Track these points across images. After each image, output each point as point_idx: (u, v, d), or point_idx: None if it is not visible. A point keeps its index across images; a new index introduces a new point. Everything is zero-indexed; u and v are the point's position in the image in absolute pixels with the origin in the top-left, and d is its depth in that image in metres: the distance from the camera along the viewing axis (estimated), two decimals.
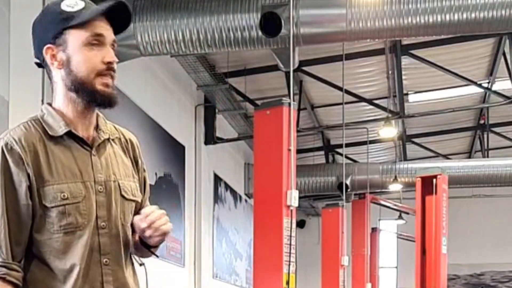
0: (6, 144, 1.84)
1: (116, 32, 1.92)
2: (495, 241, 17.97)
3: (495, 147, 14.43)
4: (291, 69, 6.21)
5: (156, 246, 2.00)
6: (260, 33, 6.72)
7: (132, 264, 2.01)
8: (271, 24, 6.58)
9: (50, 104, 1.95)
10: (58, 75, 1.90)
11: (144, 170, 2.08)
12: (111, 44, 1.88)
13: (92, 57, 1.85)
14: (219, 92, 10.64)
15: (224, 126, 11.92)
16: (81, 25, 1.85)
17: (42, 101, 6.18)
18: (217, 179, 12.20)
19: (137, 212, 1.98)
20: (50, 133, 1.88)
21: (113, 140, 1.99)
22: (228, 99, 10.94)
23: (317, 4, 6.78)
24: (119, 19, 1.90)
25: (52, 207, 1.85)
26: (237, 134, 12.57)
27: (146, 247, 1.99)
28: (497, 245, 17.97)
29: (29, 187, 1.84)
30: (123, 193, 1.93)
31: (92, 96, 1.86)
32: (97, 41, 1.86)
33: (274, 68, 8.76)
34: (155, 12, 6.87)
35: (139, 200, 2.00)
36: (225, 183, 12.80)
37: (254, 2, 6.75)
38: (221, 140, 11.44)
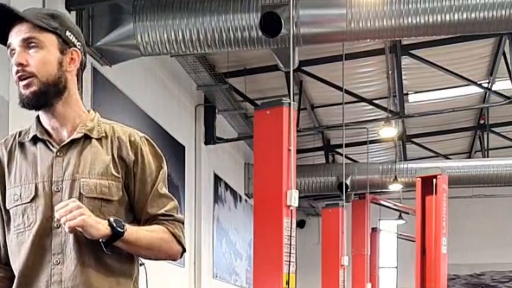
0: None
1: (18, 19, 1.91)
2: (495, 241, 17.97)
3: (495, 147, 14.42)
4: (291, 69, 6.20)
5: (107, 242, 1.86)
6: (260, 33, 6.72)
7: (109, 264, 1.93)
8: (271, 24, 6.58)
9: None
10: None
11: (142, 170, 2.00)
12: (21, 44, 1.90)
13: (12, 68, 1.93)
14: (219, 92, 10.64)
15: (224, 126, 11.91)
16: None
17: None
18: (217, 179, 12.19)
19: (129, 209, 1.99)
20: (18, 139, 2.01)
21: (98, 139, 1.97)
22: (228, 99, 10.93)
23: (317, 4, 6.78)
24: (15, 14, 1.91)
25: (9, 209, 1.95)
26: (237, 134, 12.57)
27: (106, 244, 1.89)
28: (497, 245, 17.96)
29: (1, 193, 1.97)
30: (81, 191, 1.91)
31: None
32: (12, 50, 1.92)
33: (274, 68, 8.76)
34: (155, 12, 6.87)
35: (111, 199, 1.94)
36: (225, 183, 12.80)
37: (254, 2, 6.75)
38: (221, 140, 11.43)
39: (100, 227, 1.81)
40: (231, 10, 6.78)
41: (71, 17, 6.54)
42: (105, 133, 1.99)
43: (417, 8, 6.51)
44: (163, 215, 2.00)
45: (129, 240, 1.86)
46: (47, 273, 1.89)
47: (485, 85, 11.46)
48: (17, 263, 1.92)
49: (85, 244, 1.88)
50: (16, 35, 1.90)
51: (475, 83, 11.14)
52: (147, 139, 2.04)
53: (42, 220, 1.90)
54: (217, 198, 12.26)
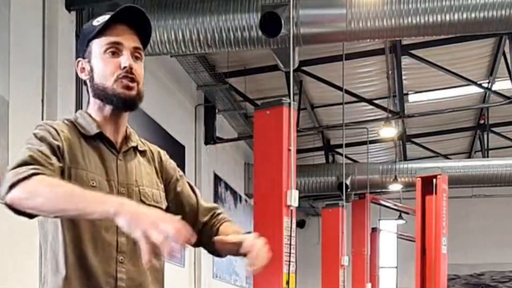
0: (47, 123, 1.96)
1: (143, 41, 2.00)
2: (495, 241, 17.97)
3: (495, 147, 14.43)
4: (291, 69, 6.20)
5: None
6: (260, 33, 6.72)
7: (159, 272, 2.05)
8: (271, 24, 6.58)
9: (83, 110, 2.08)
10: (88, 84, 2.02)
11: (181, 177, 2.18)
12: (131, 51, 1.96)
13: (109, 64, 1.94)
14: (219, 92, 10.64)
15: (224, 126, 11.92)
16: (101, 35, 1.96)
17: (42, 101, 6.19)
18: (217, 179, 12.19)
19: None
20: (82, 131, 1.98)
21: (140, 151, 2.08)
22: (228, 99, 10.93)
23: (317, 4, 6.79)
24: (141, 26, 1.99)
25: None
26: (237, 134, 12.57)
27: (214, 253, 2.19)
28: (497, 245, 17.97)
29: (61, 155, 1.90)
30: (142, 198, 2.00)
31: (112, 100, 1.96)
32: (115, 48, 1.95)
33: (274, 68, 8.76)
34: (155, 12, 6.87)
35: (163, 207, 2.05)
36: (225, 183, 12.80)
37: (254, 2, 6.75)
38: (221, 140, 11.43)
39: None
40: (231, 10, 6.78)
41: (71, 17, 6.54)
42: (144, 146, 2.11)
43: (417, 8, 6.51)
44: (214, 214, 2.20)
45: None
46: (114, 269, 1.92)
47: (485, 85, 11.46)
48: (82, 244, 1.90)
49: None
50: (128, 40, 1.96)
51: (475, 83, 11.15)
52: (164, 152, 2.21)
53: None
54: (217, 198, 12.26)
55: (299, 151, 9.05)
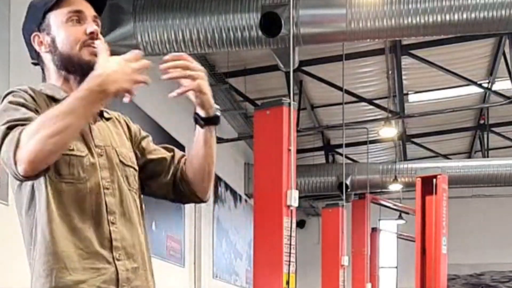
0: (19, 89, 1.94)
1: (97, 11, 2.00)
2: (495, 241, 17.97)
3: (495, 147, 14.43)
4: (291, 69, 6.21)
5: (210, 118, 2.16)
6: (260, 33, 6.72)
7: (144, 228, 2.04)
8: (271, 24, 6.58)
9: (46, 83, 2.05)
10: (47, 58, 1.99)
11: (147, 135, 2.20)
12: (92, 19, 1.96)
13: (74, 32, 1.93)
14: (219, 92, 10.64)
15: (224, 126, 11.92)
16: (59, 6, 1.94)
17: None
18: (217, 179, 12.20)
19: (152, 174, 2.13)
20: (50, 95, 1.96)
21: (107, 118, 2.08)
22: (228, 99, 10.93)
23: (317, 4, 6.78)
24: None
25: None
26: (237, 134, 12.57)
27: (206, 122, 2.18)
28: (497, 245, 17.97)
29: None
30: (121, 158, 2.01)
31: (81, 68, 1.92)
32: (77, 17, 1.94)
33: (274, 68, 8.76)
34: (155, 12, 6.87)
35: (136, 168, 2.07)
36: (225, 183, 12.79)
37: (254, 2, 6.75)
38: (221, 140, 11.43)
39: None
40: (231, 10, 6.78)
41: None
42: (109, 115, 2.10)
43: (417, 8, 6.51)
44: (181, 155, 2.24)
45: (213, 134, 2.16)
46: (103, 231, 1.90)
47: (485, 85, 11.46)
48: (68, 209, 1.89)
49: (131, 209, 1.98)
50: (88, 8, 1.97)
51: (475, 83, 11.15)
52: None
53: (94, 179, 1.92)
54: (217, 198, 12.26)
55: (299, 151, 9.05)
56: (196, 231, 11.02)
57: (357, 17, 6.63)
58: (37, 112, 1.85)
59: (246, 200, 14.21)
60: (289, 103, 6.10)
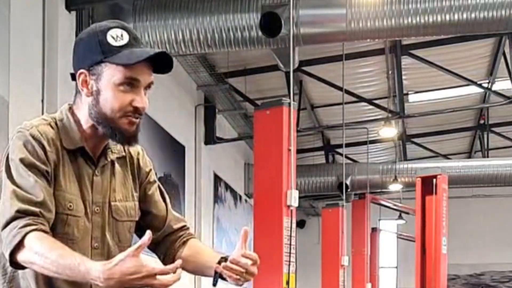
0: (33, 136, 1.87)
1: (156, 72, 1.93)
2: (495, 241, 17.97)
3: (495, 147, 14.43)
4: (291, 69, 6.20)
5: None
6: (260, 33, 6.72)
7: None
8: (271, 24, 6.58)
9: (71, 109, 1.97)
10: (85, 100, 1.92)
11: (154, 181, 2.12)
12: (145, 88, 1.89)
13: (122, 98, 1.85)
14: (219, 92, 10.64)
15: (224, 126, 11.91)
16: (119, 64, 1.85)
17: (42, 101, 6.19)
18: (217, 179, 12.19)
19: (147, 226, 2.03)
20: (64, 144, 1.91)
21: (119, 158, 2.03)
22: (228, 99, 10.93)
23: (317, 4, 6.78)
24: (161, 62, 1.91)
25: (57, 213, 1.88)
26: (237, 134, 12.57)
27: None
28: (497, 245, 17.96)
29: (48, 179, 1.87)
30: (114, 215, 1.98)
31: (113, 132, 1.88)
32: (131, 84, 1.86)
33: (274, 68, 8.76)
34: (155, 12, 6.87)
35: (135, 220, 2.05)
36: (225, 183, 12.79)
37: (254, 2, 6.75)
38: (221, 140, 11.43)
39: None
40: (231, 10, 6.78)
41: (71, 17, 6.54)
42: (123, 152, 2.04)
43: (417, 8, 6.51)
44: (184, 227, 2.19)
45: None
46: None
47: (485, 85, 11.45)
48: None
49: None
50: (145, 75, 1.88)
51: (475, 83, 11.14)
52: (143, 151, 2.12)
53: (86, 239, 1.93)
54: (217, 198, 12.26)
55: (299, 151, 9.05)
56: (196, 231, 11.02)
57: (357, 17, 6.63)
58: (46, 174, 1.84)
59: (246, 200, 14.21)
60: (289, 103, 6.10)
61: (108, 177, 1.98)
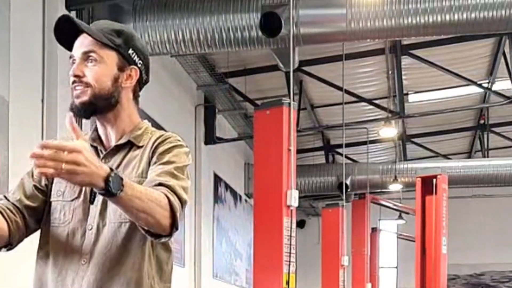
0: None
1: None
2: (495, 241, 17.97)
3: (495, 147, 14.43)
4: (291, 69, 6.20)
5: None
6: (260, 33, 6.72)
7: (131, 271, 1.95)
8: (271, 24, 6.58)
9: None
10: None
11: (158, 161, 2.01)
12: (82, 57, 1.98)
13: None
14: (219, 92, 10.64)
15: (224, 126, 11.92)
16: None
17: (42, 101, 6.19)
18: (217, 179, 12.20)
19: None
20: None
21: (141, 147, 2.04)
22: (228, 99, 10.94)
23: (317, 4, 6.78)
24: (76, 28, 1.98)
25: (51, 201, 2.04)
26: (237, 134, 12.57)
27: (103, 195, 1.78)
28: (497, 245, 17.97)
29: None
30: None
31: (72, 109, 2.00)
32: (73, 61, 2.00)
33: (274, 68, 8.76)
34: (155, 12, 6.87)
35: None
36: (225, 183, 12.80)
37: (254, 2, 6.75)
38: (221, 140, 11.43)
39: (92, 179, 1.67)
40: (231, 10, 6.78)
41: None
42: (148, 140, 2.06)
43: (417, 8, 6.51)
44: (164, 185, 1.90)
45: (122, 200, 1.74)
46: (74, 271, 1.95)
47: (485, 85, 11.46)
48: (50, 249, 2.00)
49: (113, 247, 1.94)
50: (79, 47, 1.98)
51: (475, 83, 11.14)
52: (176, 141, 2.06)
53: (77, 221, 1.98)
54: (217, 198, 12.26)
55: (299, 151, 9.05)
56: (196, 231, 11.02)
57: (357, 17, 6.63)
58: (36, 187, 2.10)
59: (246, 200, 14.21)
60: (289, 103, 6.10)
61: (118, 161, 2.02)
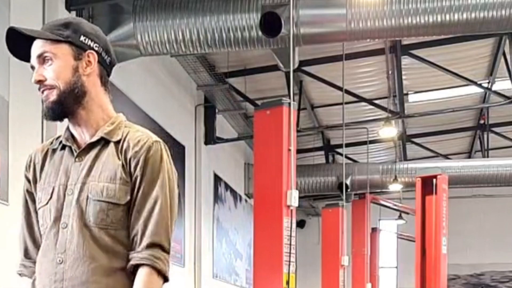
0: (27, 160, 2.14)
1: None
2: (495, 241, 17.98)
3: (495, 147, 14.43)
4: (291, 69, 6.20)
5: None
6: (260, 33, 6.72)
7: (116, 268, 1.95)
8: (271, 24, 6.58)
9: None
10: None
11: (139, 180, 1.98)
12: (38, 61, 2.00)
13: None
14: (219, 92, 10.64)
15: (224, 126, 11.92)
16: None
17: (42, 101, 6.18)
18: (217, 179, 12.20)
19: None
20: (51, 146, 2.11)
21: (116, 142, 2.01)
22: (228, 99, 10.94)
23: (317, 4, 6.78)
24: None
25: (38, 209, 2.06)
26: (237, 134, 12.57)
27: None
28: (497, 245, 17.97)
29: (32, 194, 2.09)
30: (89, 194, 1.97)
31: None
32: (33, 68, 2.03)
33: (274, 68, 8.76)
34: (155, 12, 6.87)
35: (118, 202, 1.95)
36: (225, 183, 12.80)
37: (254, 2, 6.75)
38: (221, 140, 11.43)
39: None
40: (231, 10, 6.78)
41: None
42: (122, 136, 2.03)
43: (417, 8, 6.51)
44: (148, 246, 1.93)
45: None
46: (52, 271, 1.96)
47: (485, 85, 11.46)
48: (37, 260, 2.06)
49: (90, 244, 1.94)
50: (33, 53, 2.00)
51: (475, 83, 11.15)
52: (154, 148, 2.01)
53: (53, 221, 1.99)
54: (217, 198, 12.26)
55: (299, 151, 9.05)
56: (196, 231, 11.02)
57: (357, 17, 6.63)
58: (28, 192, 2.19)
59: (246, 200, 14.21)
60: (289, 103, 6.10)
61: (92, 159, 2.01)
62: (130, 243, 1.96)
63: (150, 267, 1.91)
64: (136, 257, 1.92)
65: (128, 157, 1.98)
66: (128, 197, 1.97)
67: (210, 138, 11.20)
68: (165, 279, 1.96)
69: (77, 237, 1.94)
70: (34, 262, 2.05)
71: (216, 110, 11.23)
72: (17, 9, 5.84)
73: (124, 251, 1.96)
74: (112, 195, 1.96)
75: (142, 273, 1.91)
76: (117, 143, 2.01)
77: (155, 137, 2.05)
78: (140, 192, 1.97)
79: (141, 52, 7.04)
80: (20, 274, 2.12)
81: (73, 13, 6.55)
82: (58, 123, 2.11)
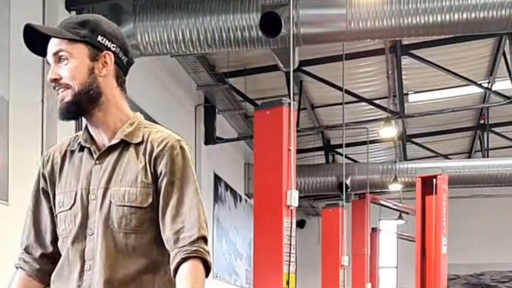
0: (43, 156, 2.11)
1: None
2: (495, 241, 17.97)
3: (495, 147, 14.43)
4: (291, 69, 6.20)
5: None
6: (260, 33, 6.72)
7: (141, 271, 1.95)
8: (271, 24, 6.58)
9: None
10: None
11: (166, 174, 1.97)
12: (54, 60, 1.96)
13: None
14: (219, 92, 10.64)
15: (224, 126, 11.91)
16: None
17: (42, 101, 6.19)
18: (217, 179, 12.19)
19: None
20: (68, 148, 2.06)
21: (136, 144, 1.99)
22: (228, 99, 10.94)
23: (317, 4, 6.78)
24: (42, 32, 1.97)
25: (56, 214, 2.02)
26: (237, 134, 12.57)
27: None
28: (497, 245, 17.97)
29: (47, 192, 2.06)
30: (111, 199, 1.95)
31: None
32: (50, 64, 1.99)
33: (274, 68, 8.76)
34: (155, 12, 6.87)
35: (140, 206, 1.94)
36: (225, 183, 12.80)
37: (254, 2, 6.75)
38: (221, 140, 11.43)
39: None
40: (231, 10, 6.78)
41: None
42: (143, 138, 2.00)
43: (417, 8, 6.51)
44: (195, 240, 1.92)
45: None
46: (78, 278, 1.94)
47: (485, 85, 11.46)
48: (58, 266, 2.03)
49: (117, 251, 1.93)
50: (49, 51, 1.96)
51: (475, 83, 11.14)
52: (177, 146, 2.01)
53: (79, 227, 1.96)
54: (217, 198, 12.26)
55: (299, 151, 9.06)
56: None
57: (357, 17, 6.63)
58: (43, 190, 2.13)
59: (246, 200, 14.21)
60: (289, 103, 6.10)
61: (113, 162, 1.98)
62: (158, 243, 1.95)
63: (199, 259, 1.89)
64: (185, 250, 1.89)
65: (153, 158, 1.96)
66: (150, 200, 1.95)
67: (210, 138, 11.20)
68: (208, 273, 1.94)
69: (103, 243, 1.92)
70: (35, 259, 2.07)
71: (216, 110, 11.22)
72: (17, 9, 5.84)
73: (149, 254, 1.95)
74: (134, 199, 1.95)
75: (191, 265, 1.88)
76: (138, 145, 1.99)
77: (177, 136, 2.04)
78: (174, 189, 1.95)
79: (141, 52, 7.04)
80: (17, 268, 2.12)
81: (73, 13, 6.55)
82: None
